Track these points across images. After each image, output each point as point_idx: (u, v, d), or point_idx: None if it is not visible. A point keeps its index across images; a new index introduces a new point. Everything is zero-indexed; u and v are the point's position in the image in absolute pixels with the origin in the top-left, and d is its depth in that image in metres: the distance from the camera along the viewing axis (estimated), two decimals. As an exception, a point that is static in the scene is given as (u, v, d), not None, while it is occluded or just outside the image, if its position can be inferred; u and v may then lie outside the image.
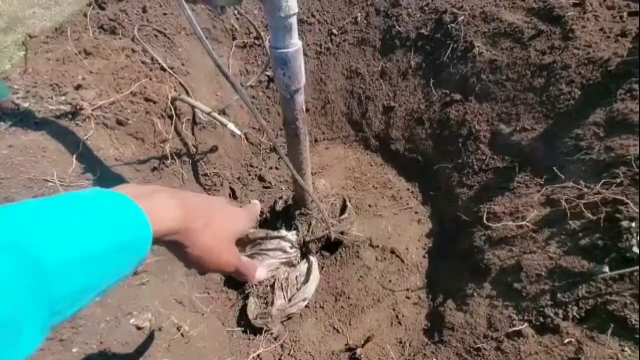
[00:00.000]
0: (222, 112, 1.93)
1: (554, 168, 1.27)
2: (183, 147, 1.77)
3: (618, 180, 1.06)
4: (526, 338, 0.96)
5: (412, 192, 1.81)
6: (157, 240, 0.37)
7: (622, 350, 0.82)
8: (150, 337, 0.97)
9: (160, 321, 1.02)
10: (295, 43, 0.94)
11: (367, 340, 1.21)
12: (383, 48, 2.05)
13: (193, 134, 1.83)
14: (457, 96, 1.77)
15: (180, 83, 1.78)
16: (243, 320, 1.33)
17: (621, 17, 1.54)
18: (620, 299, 0.87)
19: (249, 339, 1.27)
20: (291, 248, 1.40)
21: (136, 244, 0.33)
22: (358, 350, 1.17)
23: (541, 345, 0.92)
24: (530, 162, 1.41)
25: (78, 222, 0.29)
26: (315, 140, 2.17)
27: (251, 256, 1.42)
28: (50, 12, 2.47)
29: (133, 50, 1.75)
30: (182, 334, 1.04)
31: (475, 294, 1.16)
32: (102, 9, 1.89)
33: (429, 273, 1.45)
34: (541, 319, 0.97)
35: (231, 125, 1.60)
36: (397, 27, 2.00)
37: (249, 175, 1.94)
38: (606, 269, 0.91)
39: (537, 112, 1.49)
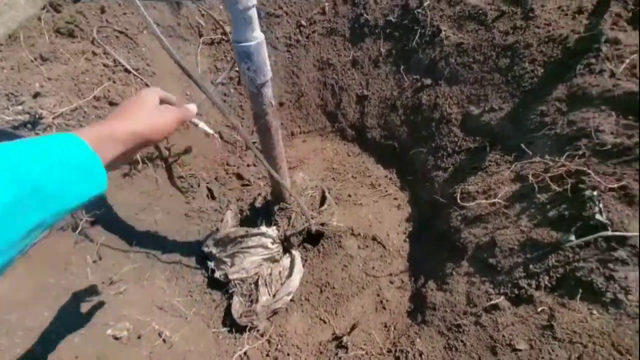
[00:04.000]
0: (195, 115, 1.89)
1: (522, 145, 1.31)
2: (155, 151, 1.72)
3: (581, 152, 1.10)
4: (503, 311, 0.99)
5: (390, 178, 1.83)
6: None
7: (591, 314, 0.86)
8: (129, 346, 0.95)
9: (139, 329, 1.00)
10: (257, 36, 0.92)
11: (353, 327, 1.23)
12: (353, 37, 2.05)
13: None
14: (428, 81, 1.79)
15: (146, 84, 1.72)
16: (228, 320, 1.33)
17: (577, -6, 1.59)
18: (587, 265, 0.91)
19: (235, 338, 1.27)
20: (273, 244, 1.40)
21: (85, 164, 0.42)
22: (344, 339, 1.19)
23: (517, 316, 0.96)
24: (500, 140, 1.45)
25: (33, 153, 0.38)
26: (292, 134, 2.15)
27: (233, 255, 1.41)
28: (2, 18, 2.33)
29: (94, 53, 1.68)
30: (164, 340, 1.02)
31: (454, 273, 1.19)
32: (58, 11, 1.80)
33: (410, 256, 1.47)
34: (516, 291, 1.01)
35: (202, 125, 1.56)
36: (365, 15, 2.00)
37: (227, 174, 1.91)
38: (573, 237, 0.94)
39: (504, 92, 1.52)
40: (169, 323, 1.11)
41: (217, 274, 1.40)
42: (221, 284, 1.41)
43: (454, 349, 1.01)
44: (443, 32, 1.77)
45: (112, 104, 1.53)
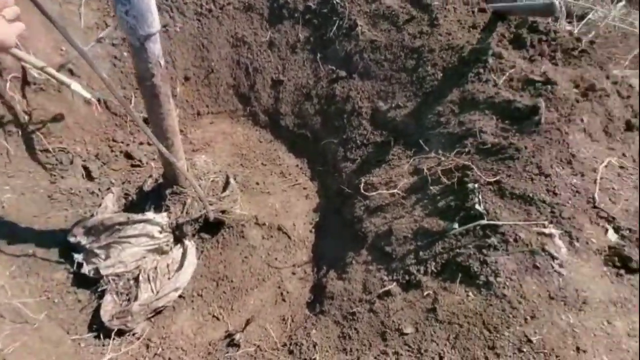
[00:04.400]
0: (70, 72, 1.54)
1: (420, 141, 1.39)
2: (7, 114, 1.35)
3: (467, 150, 1.21)
4: (394, 297, 1.02)
5: (301, 168, 1.78)
6: None
7: (467, 296, 0.94)
8: None
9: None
10: (138, -28, 0.75)
11: (247, 323, 1.14)
12: (271, 17, 1.94)
13: (24, 96, 1.41)
14: (343, 73, 1.79)
15: None
16: (96, 324, 1.10)
17: (473, 12, 1.76)
18: (466, 251, 0.99)
19: (104, 345, 1.05)
20: (160, 233, 1.21)
21: None
22: (237, 336, 1.09)
23: (406, 301, 1.00)
24: (403, 136, 1.52)
25: None
26: (199, 114, 1.94)
27: (108, 246, 1.18)
28: None
29: None
30: (-12, 355, 0.78)
31: (353, 262, 1.20)
32: None
33: (315, 247, 1.45)
34: (407, 277, 1.05)
35: (75, 85, 1.28)
36: (285, -4, 1.91)
37: (112, 151, 1.62)
38: (456, 225, 1.02)
39: (409, 91, 1.61)
40: (2, 331, 0.85)
41: (86, 269, 1.15)
42: (90, 280, 1.17)
43: (347, 337, 1.01)
44: (359, 27, 1.79)
45: None
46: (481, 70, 1.43)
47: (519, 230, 0.97)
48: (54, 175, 1.43)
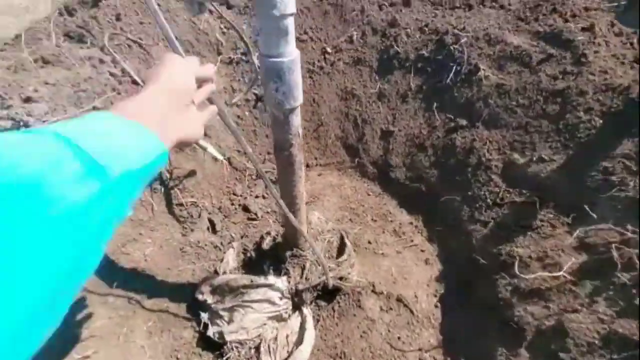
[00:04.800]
0: (203, 134, 1.71)
1: (585, 206, 1.11)
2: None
3: (670, 224, 0.91)
4: None
5: (415, 226, 1.62)
6: None
7: None
8: None
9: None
10: (292, 51, 0.75)
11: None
12: (380, 69, 1.92)
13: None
14: (463, 121, 1.62)
15: (155, 100, 1.55)
16: (219, 394, 1.07)
17: (631, 43, 1.46)
18: None
19: (226, 422, 1.00)
20: (281, 299, 1.16)
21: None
22: None
23: None
24: (553, 197, 1.26)
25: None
26: (307, 166, 1.97)
27: (232, 309, 1.17)
28: (18, 20, 2.22)
29: (101, 61, 1.53)
30: None
31: (508, 362, 0.96)
32: (71, 15, 1.67)
33: (444, 327, 1.23)
34: (602, 404, 0.77)
35: (211, 149, 1.38)
36: (395, 47, 1.88)
37: (232, 204, 1.70)
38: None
39: (555, 141, 1.35)
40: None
41: (211, 331, 1.15)
42: (215, 344, 1.16)
43: None
44: (482, 71, 1.63)
45: (112, 118, 1.35)
46: (666, 116, 1.12)
47: None
48: (185, 228, 1.54)
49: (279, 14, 0.68)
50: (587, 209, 1.11)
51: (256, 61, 1.80)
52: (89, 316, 0.98)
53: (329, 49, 1.98)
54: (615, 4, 1.99)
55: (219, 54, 1.91)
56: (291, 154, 0.95)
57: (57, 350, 0.88)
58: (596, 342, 0.84)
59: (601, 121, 1.28)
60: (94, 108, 1.35)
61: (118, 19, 1.66)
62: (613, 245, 0.92)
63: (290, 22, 0.72)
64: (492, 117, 1.55)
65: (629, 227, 0.96)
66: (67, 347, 0.89)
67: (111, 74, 1.52)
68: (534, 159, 1.37)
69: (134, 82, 1.55)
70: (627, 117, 1.23)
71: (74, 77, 1.41)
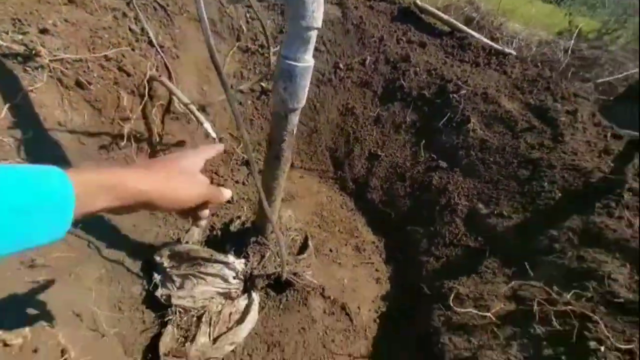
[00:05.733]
0: (202, 109, 1.77)
1: (525, 264, 1.23)
2: (145, 132, 1.56)
3: (589, 295, 1.03)
4: None
5: (377, 246, 1.71)
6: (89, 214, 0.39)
7: None
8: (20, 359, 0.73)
9: (39, 340, 0.78)
10: (308, 59, 0.84)
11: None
12: (383, 96, 2.04)
13: (162, 121, 1.64)
14: (444, 164, 1.75)
15: (165, 65, 1.61)
16: (151, 353, 1.10)
17: (605, 136, 1.63)
18: None
19: (151, 379, 1.04)
20: (234, 278, 1.22)
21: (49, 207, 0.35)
22: (278, 422, 0.98)
23: None
24: (502, 250, 1.38)
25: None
26: (292, 166, 2.04)
27: (185, 276, 1.21)
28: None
29: (124, 15, 1.57)
30: (64, 361, 0.80)
31: (423, 383, 1.04)
32: (107, -38, 1.71)
33: (376, 341, 1.31)
34: None
35: (207, 125, 1.44)
36: (401, 80, 2.00)
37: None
38: (570, 392, 0.83)
39: (517, 202, 1.48)
40: (79, 340, 0.89)
41: (159, 292, 1.19)
42: (159, 304, 1.19)
43: None
44: (471, 124, 1.77)
45: (121, 69, 1.39)
46: (612, 204, 1.27)
47: None
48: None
49: (305, 25, 0.77)
50: (527, 266, 1.23)
51: (272, 58, 1.88)
52: (46, 247, 1.00)
53: (341, 65, 2.09)
54: (604, 97, 2.21)
55: (238, 39, 1.98)
56: (281, 149, 1.02)
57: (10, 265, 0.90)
58: (501, 379, 0.94)
59: (560, 194, 1.42)
60: (105, 57, 1.39)
61: (151, -21, 1.71)
62: (536, 300, 1.03)
63: (313, 35, 0.81)
64: (470, 166, 1.68)
65: (555, 287, 1.07)
66: (20, 267, 0.91)
67: (130, 30, 1.57)
68: (495, 212, 1.49)
69: (150, 43, 1.60)
70: (583, 197, 1.37)
71: (95, 22, 1.45)
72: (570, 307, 0.99)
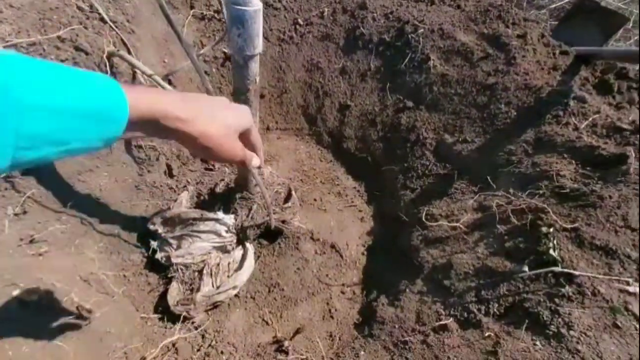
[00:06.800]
0: (168, 80, 1.77)
1: (488, 178, 1.36)
2: (116, 112, 1.57)
3: (541, 192, 1.16)
4: (450, 332, 0.98)
5: (358, 190, 1.82)
6: (139, 123, 0.41)
7: (534, 344, 0.88)
8: (37, 315, 0.80)
9: (54, 298, 0.86)
10: (256, 2, 0.87)
11: (297, 332, 1.16)
12: (346, 47, 2.06)
13: (130, 99, 1.64)
14: (410, 103, 1.83)
15: (122, 40, 1.58)
16: (162, 306, 1.20)
17: (554, 54, 1.73)
18: (535, 297, 0.93)
19: (165, 327, 1.14)
20: (227, 232, 1.30)
21: (107, 115, 0.37)
22: (286, 343, 1.11)
23: (463, 339, 0.95)
24: (468, 171, 1.50)
25: (61, 80, 0.34)
26: (268, 128, 2.09)
27: (181, 237, 1.29)
28: None
29: (69, -7, 1.52)
30: (81, 315, 0.89)
31: (407, 290, 1.18)
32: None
33: (366, 270, 1.45)
34: (465, 315, 1.01)
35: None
36: (361, 28, 2.03)
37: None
38: (526, 268, 0.97)
39: (478, 127, 1.59)
40: (91, 298, 0.97)
41: (159, 255, 1.27)
42: (161, 267, 1.28)
43: (397, 365, 0.98)
44: (431, 61, 1.84)
45: (78, 49, 1.38)
46: (560, 113, 1.39)
47: (598, 284, 0.90)
48: (142, 169, 1.61)
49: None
50: (490, 180, 1.35)
51: (224, 3, 1.87)
52: (42, 223, 1.06)
53: (300, 21, 2.09)
54: (552, 20, 2.30)
55: (192, 7, 1.94)
56: (247, 99, 1.07)
57: (10, 243, 0.96)
58: (470, 272, 1.08)
59: (515, 113, 1.53)
60: (59, 37, 1.37)
61: (90, -47, 1.64)
62: (496, 203, 1.16)
63: (256, -24, 0.84)
64: (434, 101, 1.77)
65: (511, 190, 1.20)
66: (20, 244, 0.97)
67: (79, 8, 1.53)
68: (460, 139, 1.60)
69: (102, 20, 1.56)
70: (537, 112, 1.49)
71: (41, 5, 1.41)
72: (525, 204, 1.12)
